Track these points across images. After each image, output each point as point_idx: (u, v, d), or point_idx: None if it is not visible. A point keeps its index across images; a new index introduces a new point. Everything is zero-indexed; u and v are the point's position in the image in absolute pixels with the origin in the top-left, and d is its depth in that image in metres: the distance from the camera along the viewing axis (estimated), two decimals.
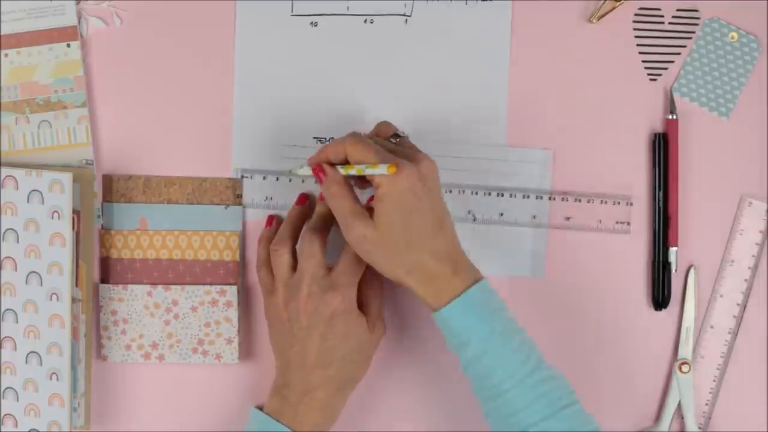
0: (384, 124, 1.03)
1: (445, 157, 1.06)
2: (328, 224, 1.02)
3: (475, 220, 1.07)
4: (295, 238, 1.03)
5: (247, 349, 1.08)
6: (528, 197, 1.07)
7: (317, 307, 0.99)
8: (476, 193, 1.07)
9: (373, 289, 1.03)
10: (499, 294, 0.97)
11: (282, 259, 1.02)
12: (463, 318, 0.95)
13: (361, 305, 1.02)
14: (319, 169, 0.99)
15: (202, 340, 1.07)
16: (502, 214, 1.07)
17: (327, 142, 1.06)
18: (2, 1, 1.05)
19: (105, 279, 1.08)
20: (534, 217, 1.07)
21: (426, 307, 0.97)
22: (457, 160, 1.07)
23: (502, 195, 1.07)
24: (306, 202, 1.06)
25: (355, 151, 0.96)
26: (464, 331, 0.95)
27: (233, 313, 1.07)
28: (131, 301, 1.07)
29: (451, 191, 1.07)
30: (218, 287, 1.07)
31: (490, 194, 1.07)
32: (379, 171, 0.94)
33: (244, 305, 1.08)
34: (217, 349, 1.07)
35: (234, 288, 1.07)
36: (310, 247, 1.00)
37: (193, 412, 1.09)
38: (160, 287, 1.07)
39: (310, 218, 1.04)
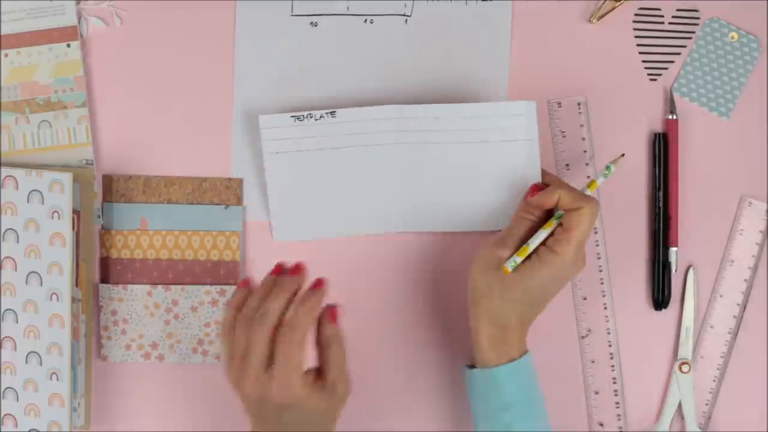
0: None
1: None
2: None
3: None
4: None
5: None
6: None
7: (262, 394, 0.91)
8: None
9: (333, 347, 0.94)
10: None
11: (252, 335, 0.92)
12: (516, 381, 0.98)
13: (321, 366, 0.94)
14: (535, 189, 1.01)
15: (202, 340, 1.07)
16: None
17: None
18: (2, 1, 1.05)
19: (105, 279, 1.08)
20: None
21: (478, 362, 0.99)
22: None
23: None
24: (281, 273, 0.95)
25: (584, 217, 0.97)
26: (512, 394, 0.98)
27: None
28: (131, 301, 1.07)
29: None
30: (218, 287, 1.07)
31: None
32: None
33: None
34: (217, 349, 1.07)
35: (234, 288, 1.07)
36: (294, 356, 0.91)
37: (192, 412, 1.08)
38: (160, 287, 1.07)
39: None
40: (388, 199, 1.06)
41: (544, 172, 1.03)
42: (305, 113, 1.04)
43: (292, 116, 1.04)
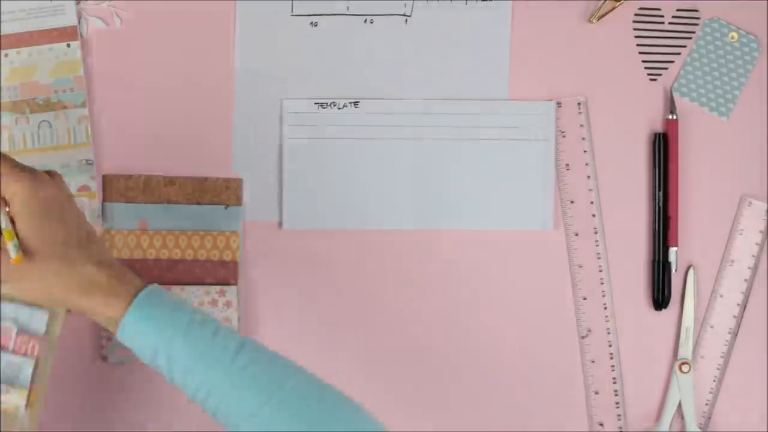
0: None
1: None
2: None
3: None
4: None
5: None
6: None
7: None
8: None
9: None
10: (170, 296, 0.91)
11: None
12: (145, 324, 0.87)
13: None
14: None
15: None
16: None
17: None
18: (2, 1, 1.05)
19: None
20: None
21: (109, 329, 0.90)
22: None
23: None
24: None
25: None
26: (152, 337, 0.87)
27: (233, 314, 1.07)
28: None
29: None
30: (218, 287, 1.07)
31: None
32: (10, 248, 0.87)
33: (244, 306, 1.08)
34: None
35: (234, 288, 1.07)
36: None
37: (192, 413, 1.08)
38: None
39: None
40: (402, 195, 1.07)
41: None
42: (329, 100, 1.05)
43: (315, 103, 1.05)
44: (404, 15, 1.07)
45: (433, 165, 1.07)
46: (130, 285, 0.90)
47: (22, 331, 0.93)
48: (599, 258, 1.08)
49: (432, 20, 1.07)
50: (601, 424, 1.08)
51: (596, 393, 1.08)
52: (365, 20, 1.07)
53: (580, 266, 1.08)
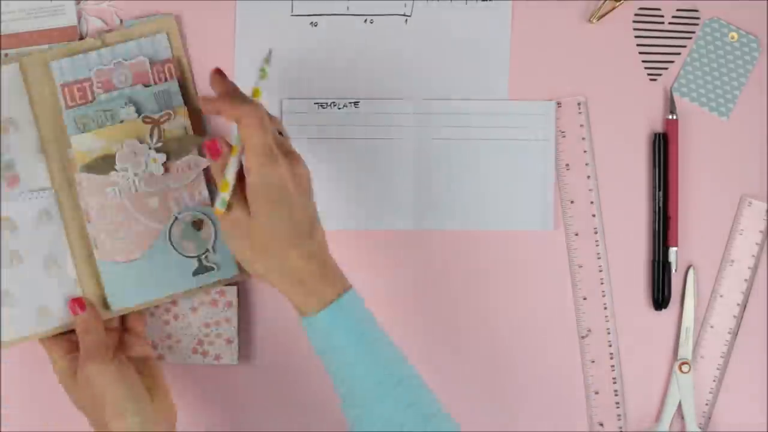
0: (273, 118, 0.96)
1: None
2: None
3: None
4: None
5: (246, 350, 1.08)
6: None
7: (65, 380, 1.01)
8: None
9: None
10: (365, 304, 0.94)
11: None
12: (333, 326, 0.92)
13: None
14: (216, 148, 0.92)
15: (201, 340, 1.07)
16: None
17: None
18: (2, 1, 1.05)
19: None
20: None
21: (296, 310, 0.94)
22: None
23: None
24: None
25: (246, 129, 0.90)
26: (334, 339, 0.92)
27: (233, 314, 1.07)
28: None
29: None
30: (218, 287, 1.06)
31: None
32: (216, 201, 0.92)
33: (244, 306, 1.08)
34: (217, 349, 1.07)
35: (234, 288, 1.07)
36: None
37: (191, 413, 1.08)
38: None
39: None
40: (401, 195, 1.07)
41: (205, 99, 0.94)
42: (329, 100, 1.05)
43: (315, 103, 1.05)
44: (404, 15, 1.07)
45: (432, 165, 1.07)
46: (329, 287, 0.92)
47: None
48: (599, 258, 1.08)
49: (432, 20, 1.07)
50: (601, 424, 1.08)
51: (596, 393, 1.08)
52: (365, 20, 1.07)
53: (580, 266, 1.08)
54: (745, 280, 1.08)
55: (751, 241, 1.08)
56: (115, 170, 1.02)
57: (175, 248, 1.03)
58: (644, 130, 1.08)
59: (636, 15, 1.08)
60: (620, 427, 1.09)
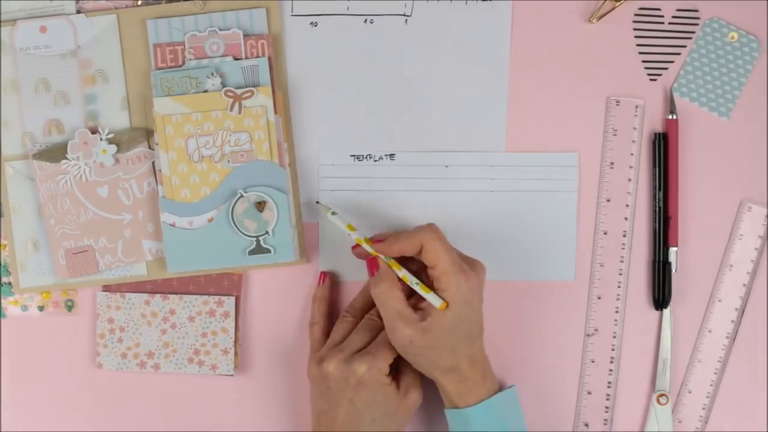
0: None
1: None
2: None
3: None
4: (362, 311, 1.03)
5: (243, 360, 1.07)
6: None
7: (344, 372, 0.98)
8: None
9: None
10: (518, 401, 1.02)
11: (345, 325, 1.03)
12: (484, 420, 0.98)
13: (397, 371, 1.01)
14: (374, 264, 0.99)
15: (198, 350, 1.05)
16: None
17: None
18: (2, 1, 1.03)
19: (108, 287, 1.06)
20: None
21: (448, 402, 1.00)
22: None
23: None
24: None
25: (433, 252, 0.96)
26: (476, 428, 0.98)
27: (230, 324, 1.05)
28: (128, 310, 1.05)
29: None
30: (216, 297, 1.05)
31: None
32: (431, 299, 0.96)
33: (242, 316, 1.06)
34: (213, 359, 1.05)
35: (232, 299, 1.05)
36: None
37: (187, 423, 1.07)
38: (157, 296, 1.05)
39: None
40: None
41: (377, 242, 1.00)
42: (365, 154, 1.05)
43: (351, 156, 1.05)
44: (404, 15, 1.06)
45: (458, 215, 1.07)
46: (482, 389, 0.99)
47: None
48: (622, 262, 1.08)
49: (432, 20, 1.06)
50: (586, 425, 1.08)
51: (589, 393, 1.08)
52: (365, 20, 1.06)
53: (601, 265, 1.07)
54: (744, 285, 1.08)
55: (750, 246, 1.08)
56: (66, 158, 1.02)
57: (236, 224, 1.02)
58: (644, 130, 1.08)
59: (636, 15, 1.08)
60: (605, 431, 1.09)
